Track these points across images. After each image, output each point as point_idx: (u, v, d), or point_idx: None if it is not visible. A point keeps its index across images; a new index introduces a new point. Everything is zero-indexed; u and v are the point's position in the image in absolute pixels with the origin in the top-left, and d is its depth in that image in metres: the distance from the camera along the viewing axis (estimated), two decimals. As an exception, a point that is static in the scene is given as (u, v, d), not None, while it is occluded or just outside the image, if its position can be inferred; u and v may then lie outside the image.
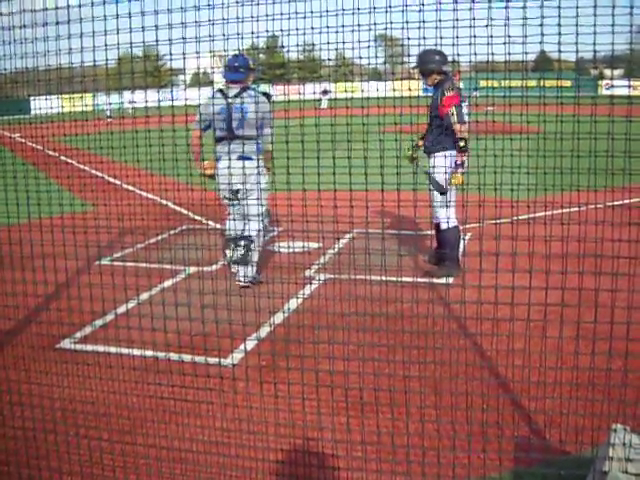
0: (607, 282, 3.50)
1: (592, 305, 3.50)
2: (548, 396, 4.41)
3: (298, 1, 3.32)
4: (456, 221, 8.10)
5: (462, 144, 7.73)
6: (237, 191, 7.56)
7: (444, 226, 8.02)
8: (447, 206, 7.88)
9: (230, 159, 7.11)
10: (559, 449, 4.08)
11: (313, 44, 3.57)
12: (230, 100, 7.42)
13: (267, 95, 7.77)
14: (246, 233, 7.61)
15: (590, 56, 3.22)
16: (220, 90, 7.54)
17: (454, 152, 7.78)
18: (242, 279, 7.59)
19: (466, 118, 7.95)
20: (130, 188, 12.71)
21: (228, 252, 7.73)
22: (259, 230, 7.66)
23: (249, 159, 7.24)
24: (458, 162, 7.71)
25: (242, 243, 7.57)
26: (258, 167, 7.36)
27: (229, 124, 7.41)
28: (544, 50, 3.65)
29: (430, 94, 8.06)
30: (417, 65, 8.04)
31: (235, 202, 7.65)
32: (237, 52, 7.36)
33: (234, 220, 7.65)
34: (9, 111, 5.22)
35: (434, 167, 7.84)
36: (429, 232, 4.82)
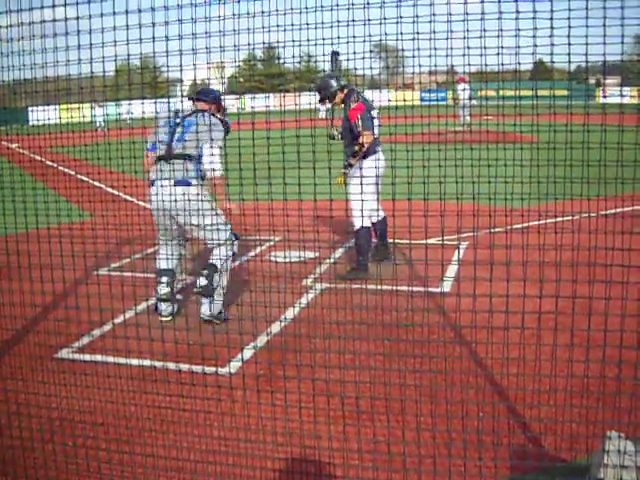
0: (601, 290, 3.53)
1: (586, 313, 3.52)
2: (543, 404, 4.43)
3: (294, 13, 3.36)
4: (368, 222, 8.58)
5: (357, 148, 8.25)
6: (172, 217, 6.88)
7: (355, 227, 8.53)
8: (365, 215, 8.29)
9: (162, 184, 6.62)
10: (554, 456, 4.10)
11: (309, 55, 3.61)
12: (179, 120, 6.97)
13: (224, 122, 7.16)
14: (210, 260, 6.94)
15: (589, 64, 3.27)
16: (176, 110, 7.05)
17: (372, 159, 8.31)
18: (205, 312, 6.89)
19: (376, 130, 8.56)
20: (128, 198, 12.72)
21: (160, 287, 7.05)
22: (227, 256, 6.96)
23: (187, 184, 6.70)
24: (346, 163, 8.29)
25: (205, 272, 6.82)
26: (199, 194, 6.73)
27: (170, 139, 6.87)
28: (542, 60, 3.69)
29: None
30: (320, 96, 8.66)
31: (169, 233, 7.07)
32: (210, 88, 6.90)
33: (165, 257, 7.09)
34: (7, 121, 5.25)
35: (351, 177, 8.31)
36: (422, 241, 4.86)
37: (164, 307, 7.03)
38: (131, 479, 4.03)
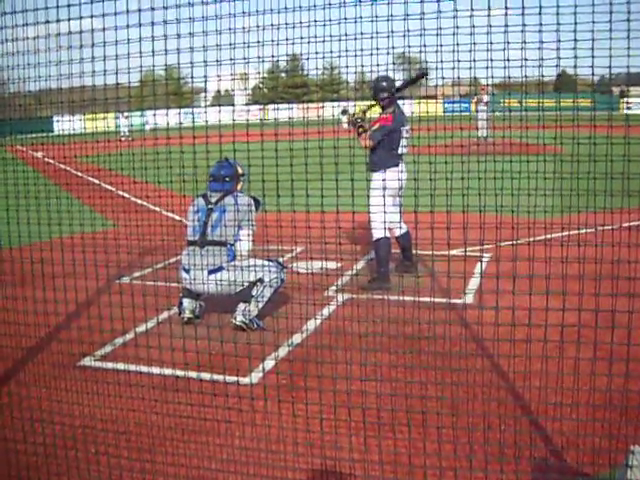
0: (624, 303, 3.51)
1: (609, 326, 3.50)
2: (565, 417, 4.40)
3: (318, 26, 3.38)
4: (388, 233, 8.61)
5: (361, 130, 8.34)
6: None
7: (375, 237, 8.57)
8: (385, 227, 8.42)
9: (196, 275, 6.88)
10: (576, 470, 4.06)
11: (332, 67, 3.63)
12: (211, 206, 7.12)
13: (256, 200, 7.19)
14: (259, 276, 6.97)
15: (612, 76, 3.26)
16: (203, 195, 7.25)
17: (394, 171, 8.29)
18: (239, 317, 6.94)
19: (405, 142, 8.61)
20: (151, 207, 12.78)
21: (187, 303, 7.20)
22: (274, 279, 7.00)
23: (220, 269, 6.89)
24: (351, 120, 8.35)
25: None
26: (232, 275, 6.81)
27: (204, 227, 7.03)
28: (566, 71, 3.69)
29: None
30: (372, 91, 8.69)
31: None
32: (223, 159, 6.91)
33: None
34: (33, 131, 5.31)
35: (371, 189, 8.28)
36: (445, 252, 4.82)
37: (186, 304, 7.15)
38: (152, 487, 4.04)
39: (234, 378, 5.18)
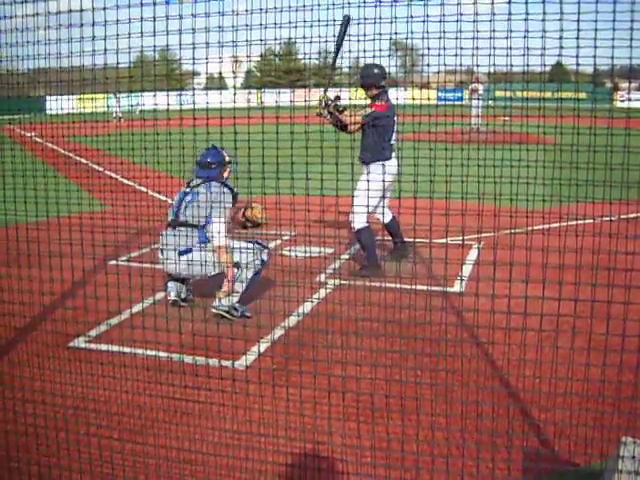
0: (620, 294, 3.51)
1: (604, 317, 3.50)
2: (558, 407, 4.41)
3: (321, 9, 3.35)
4: (367, 221, 8.50)
5: (344, 119, 8.20)
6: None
7: (357, 227, 8.46)
8: (368, 212, 8.25)
9: (168, 255, 6.84)
10: (568, 460, 4.08)
11: (327, 51, 3.59)
12: (188, 189, 7.15)
13: (233, 193, 7.13)
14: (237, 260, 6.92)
15: (606, 68, 3.25)
16: (189, 181, 7.26)
17: (390, 162, 8.34)
18: (215, 305, 6.90)
19: (394, 137, 8.60)
20: (149, 190, 12.74)
21: (172, 285, 7.23)
22: (254, 260, 6.93)
23: (189, 251, 6.82)
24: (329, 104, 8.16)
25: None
26: (202, 257, 6.69)
27: (178, 209, 7.09)
28: (560, 62, 3.68)
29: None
30: (359, 79, 8.56)
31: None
32: (211, 146, 6.88)
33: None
34: (27, 110, 5.27)
35: (368, 174, 8.19)
36: (443, 240, 4.75)
37: (171, 286, 7.18)
38: (143, 469, 4.04)
39: (228, 361, 5.19)
